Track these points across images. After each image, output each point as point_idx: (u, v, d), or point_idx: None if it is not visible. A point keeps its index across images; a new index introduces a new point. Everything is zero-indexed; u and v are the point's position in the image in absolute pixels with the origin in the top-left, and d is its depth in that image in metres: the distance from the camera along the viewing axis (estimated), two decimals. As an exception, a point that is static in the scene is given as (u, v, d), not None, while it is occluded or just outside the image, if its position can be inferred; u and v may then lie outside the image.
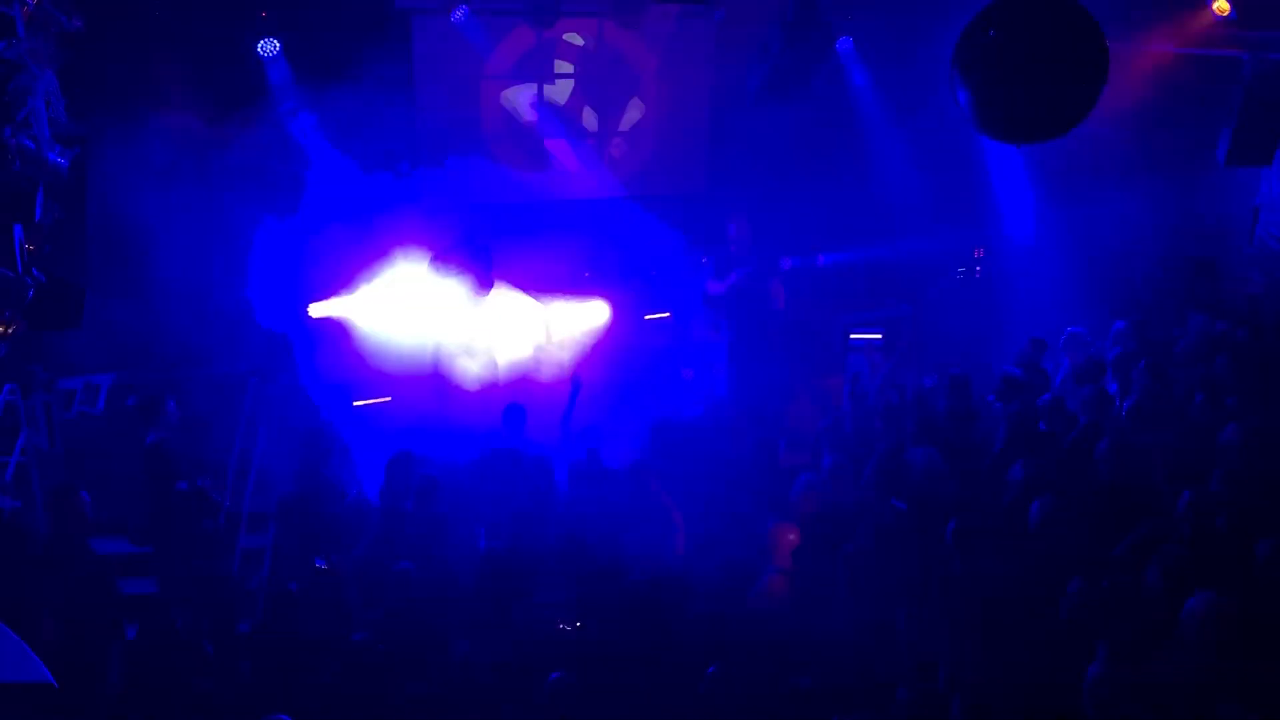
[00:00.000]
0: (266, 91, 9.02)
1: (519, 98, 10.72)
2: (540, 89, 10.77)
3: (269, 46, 8.85)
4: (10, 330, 6.15)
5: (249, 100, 8.89)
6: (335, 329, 9.23)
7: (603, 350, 9.74)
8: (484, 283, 8.86)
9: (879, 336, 10.47)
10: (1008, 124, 5.23)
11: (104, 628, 5.26)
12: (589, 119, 11.06)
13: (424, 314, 8.93)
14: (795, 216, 10.82)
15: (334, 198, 8.93)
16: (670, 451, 7.36)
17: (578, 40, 10.73)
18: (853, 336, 10.62)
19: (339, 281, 9.04)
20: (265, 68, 8.95)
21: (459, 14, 9.60)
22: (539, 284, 10.09)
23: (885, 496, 6.26)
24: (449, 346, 9.04)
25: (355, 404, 8.92)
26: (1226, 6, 8.90)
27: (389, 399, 8.97)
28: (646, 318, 10.20)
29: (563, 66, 10.78)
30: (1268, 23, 9.07)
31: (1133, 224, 10.68)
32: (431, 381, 8.97)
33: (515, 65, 10.57)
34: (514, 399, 7.93)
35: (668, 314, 10.29)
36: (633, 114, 11.21)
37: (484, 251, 8.94)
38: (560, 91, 10.89)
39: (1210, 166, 9.65)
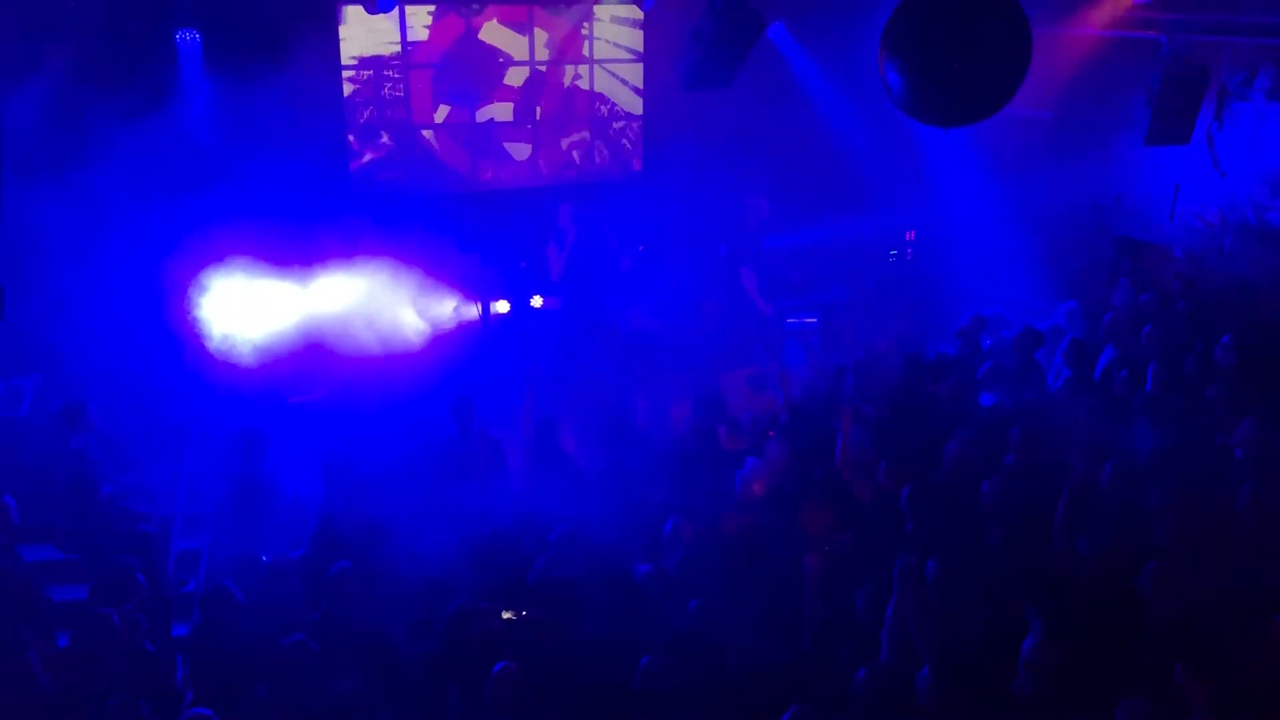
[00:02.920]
0: (187, 82, 8.81)
1: (450, 86, 10.61)
2: (471, 77, 10.67)
3: (188, 36, 8.63)
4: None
5: (169, 91, 8.67)
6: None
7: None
8: None
9: (814, 320, 10.56)
10: (935, 108, 5.29)
11: (30, 634, 5.13)
12: (521, 106, 10.97)
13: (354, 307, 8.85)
14: (732, 202, 10.86)
15: (259, 192, 8.76)
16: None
17: (508, 27, 10.64)
18: (789, 320, 10.70)
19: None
20: (185, 58, 8.74)
21: (387, 2, 9.45)
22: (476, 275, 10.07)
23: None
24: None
25: (290, 400, 8.78)
26: (1144, -11, 9.10)
27: (324, 395, 8.84)
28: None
29: (493, 53, 10.69)
30: (1183, 6, 9.29)
31: (1060, 204, 10.91)
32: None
33: (445, 53, 10.46)
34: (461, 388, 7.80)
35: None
36: (565, 101, 11.15)
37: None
38: (491, 79, 10.79)
39: (1133, 145, 9.87)
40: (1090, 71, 10.28)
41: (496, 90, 10.79)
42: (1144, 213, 11.03)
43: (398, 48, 10.20)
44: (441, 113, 10.64)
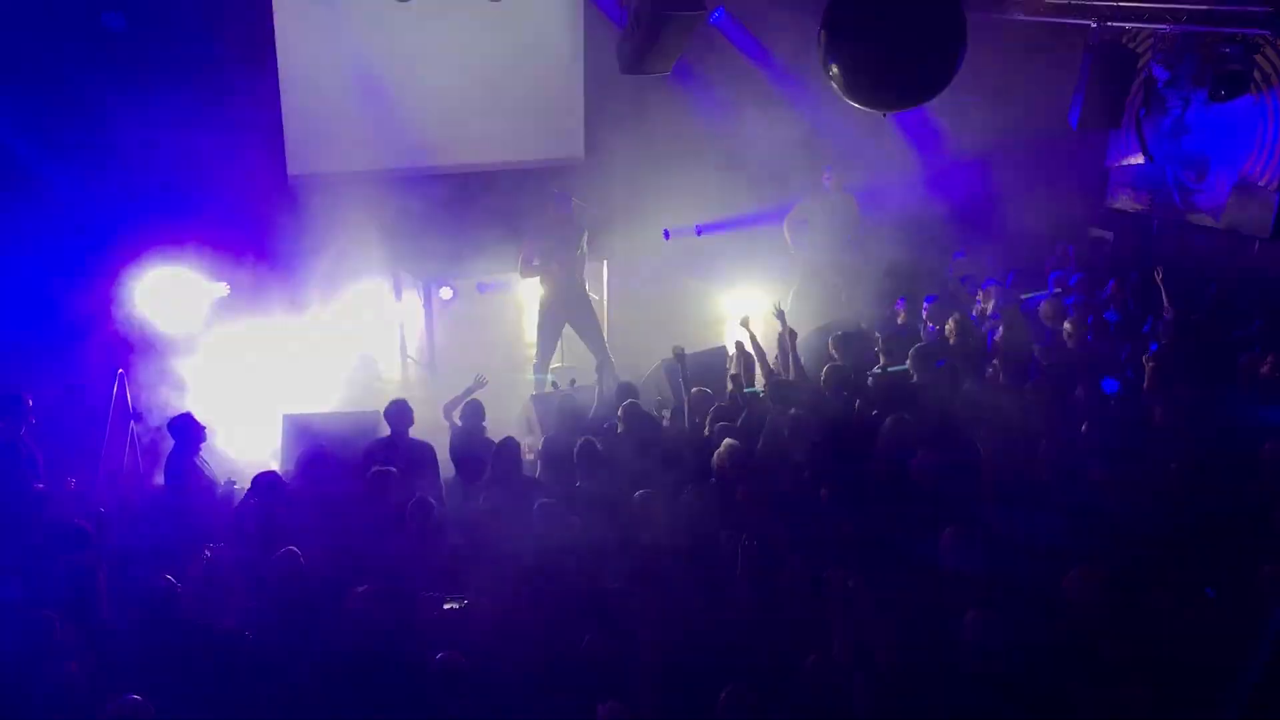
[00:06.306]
0: (106, 70, 8.59)
1: (387, 67, 10.45)
2: (409, 57, 10.52)
3: (113, 20, 8.41)
4: None
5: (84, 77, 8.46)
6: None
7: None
8: None
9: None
10: (874, 92, 5.36)
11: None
12: (462, 88, 10.82)
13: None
14: (676, 185, 10.84)
15: (190, 178, 8.63)
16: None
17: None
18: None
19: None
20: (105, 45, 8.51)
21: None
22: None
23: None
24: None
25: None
26: (1074, -24, 9.28)
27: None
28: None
29: (433, 32, 10.53)
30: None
31: (995, 187, 11.12)
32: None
33: (382, 32, 10.29)
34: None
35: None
36: (505, 81, 11.01)
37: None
38: (430, 60, 10.63)
39: (1065, 130, 10.07)
40: (1023, 57, 10.46)
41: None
42: (1076, 197, 11.28)
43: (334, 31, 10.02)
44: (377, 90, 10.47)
